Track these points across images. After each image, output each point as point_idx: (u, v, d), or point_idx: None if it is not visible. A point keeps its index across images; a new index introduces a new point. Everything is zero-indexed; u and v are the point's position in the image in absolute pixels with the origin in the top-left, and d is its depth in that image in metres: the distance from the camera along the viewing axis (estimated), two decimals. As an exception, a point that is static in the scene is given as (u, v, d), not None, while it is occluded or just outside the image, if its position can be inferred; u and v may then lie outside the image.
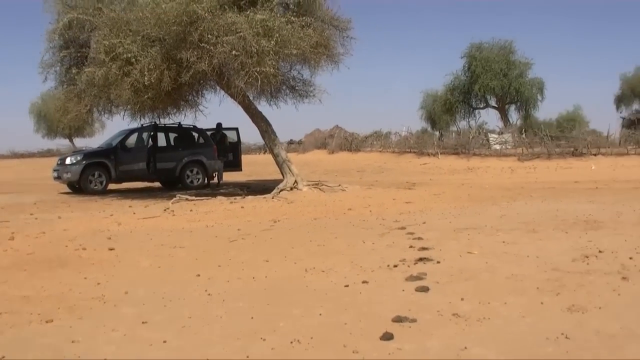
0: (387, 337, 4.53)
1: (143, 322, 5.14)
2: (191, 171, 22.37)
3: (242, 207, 14.29)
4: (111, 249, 8.90)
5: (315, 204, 14.31)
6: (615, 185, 19.27)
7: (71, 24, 17.88)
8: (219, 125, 24.35)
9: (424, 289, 5.90)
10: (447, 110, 58.77)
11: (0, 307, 5.74)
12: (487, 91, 55.03)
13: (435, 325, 4.85)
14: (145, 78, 15.60)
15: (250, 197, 16.53)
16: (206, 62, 15.47)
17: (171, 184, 22.78)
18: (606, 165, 29.45)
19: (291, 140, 65.62)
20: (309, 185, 17.66)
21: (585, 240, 8.44)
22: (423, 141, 42.70)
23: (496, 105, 58.27)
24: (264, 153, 49.18)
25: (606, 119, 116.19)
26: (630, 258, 7.12)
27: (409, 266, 7.04)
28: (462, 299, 5.54)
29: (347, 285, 6.18)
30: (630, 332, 4.59)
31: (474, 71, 54.29)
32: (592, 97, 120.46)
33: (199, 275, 6.93)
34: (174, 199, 16.02)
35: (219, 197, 16.64)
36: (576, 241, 8.39)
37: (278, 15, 16.36)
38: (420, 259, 7.34)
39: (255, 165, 32.26)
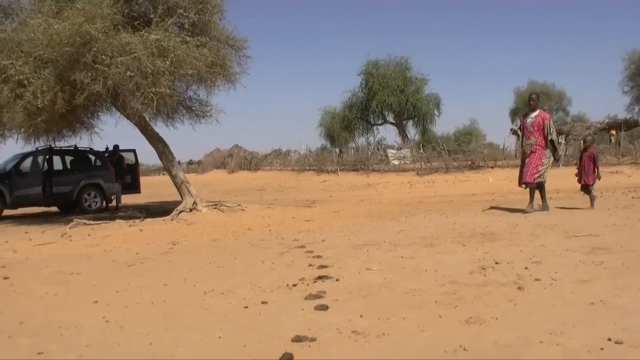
0: (287, 357, 4.54)
1: (39, 353, 5.01)
2: (89, 194, 22.06)
3: (141, 230, 14.14)
4: (6, 278, 8.64)
5: (215, 225, 14.27)
6: (511, 196, 19.71)
7: (-41, 45, 17.43)
8: (115, 147, 24.09)
9: (323, 308, 5.93)
10: (345, 127, 59.33)
11: None
12: (385, 107, 55.86)
13: (334, 343, 4.88)
14: (39, 100, 15.28)
15: (149, 219, 16.38)
16: (101, 84, 15.24)
17: (68, 208, 22.39)
18: (503, 177, 30.16)
19: (190, 160, 65.32)
20: (208, 205, 17.58)
21: (482, 252, 8.61)
22: (322, 158, 43.01)
23: (394, 121, 59.15)
24: (163, 174, 48.79)
25: (502, 132, 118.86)
26: (526, 268, 7.31)
27: (308, 285, 7.05)
28: (361, 316, 5.57)
29: (246, 307, 6.16)
30: (526, 341, 4.70)
31: (371, 88, 55.06)
32: (488, 111, 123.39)
33: (96, 301, 6.79)
34: (72, 223, 15.74)
35: (117, 221, 16.41)
36: (473, 253, 8.54)
37: (173, 35, 16.27)
38: (320, 277, 7.37)
39: (154, 187, 32.00)
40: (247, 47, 18.77)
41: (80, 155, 22.96)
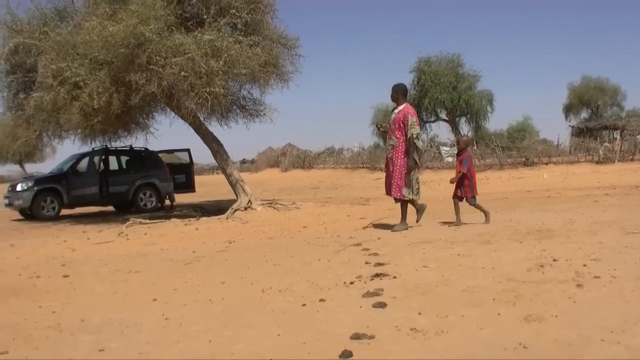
0: (346, 355, 4.52)
1: (100, 350, 5.08)
2: (144, 194, 22.32)
3: (197, 229, 14.22)
4: (66, 276, 8.78)
5: (270, 223, 14.29)
6: (567, 193, 19.52)
7: (17, 49, 17.73)
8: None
9: (381, 305, 5.90)
10: (388, 123, 59.06)
11: (-48, 340, 5.63)
12: (437, 104, 55.47)
13: (393, 340, 4.85)
14: (95, 101, 15.47)
15: (204, 218, 16.48)
16: (155, 84, 15.40)
17: (124, 207, 22.65)
18: (557, 173, 29.84)
19: (244, 159, 65.58)
20: (263, 204, 17.63)
21: (539, 249, 8.52)
22: (375, 156, 42.88)
23: (447, 118, 58.75)
24: (217, 173, 49.07)
25: (555, 128, 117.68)
26: (584, 265, 7.20)
27: (365, 282, 7.03)
28: (419, 314, 5.54)
29: (304, 304, 6.16)
30: (586, 339, 4.63)
31: (424, 85, 54.72)
32: (541, 107, 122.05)
33: (155, 299, 6.87)
34: (128, 222, 15.89)
35: (173, 220, 16.55)
36: (530, 251, 8.45)
37: (226, 35, 16.38)
38: (377, 275, 7.33)
39: (209, 186, 32.22)
40: (300, 45, 18.84)
41: (135, 155, 23.23)
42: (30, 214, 21.56)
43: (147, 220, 16.35)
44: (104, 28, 15.27)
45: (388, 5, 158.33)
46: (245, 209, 17.15)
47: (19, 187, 21.63)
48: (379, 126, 12.93)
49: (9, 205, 22.04)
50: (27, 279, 8.79)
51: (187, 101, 16.10)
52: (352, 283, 7.06)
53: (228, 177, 18.55)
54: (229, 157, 19.07)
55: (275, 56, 18.02)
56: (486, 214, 11.97)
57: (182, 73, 15.21)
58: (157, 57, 15.31)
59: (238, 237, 12.47)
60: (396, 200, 12.00)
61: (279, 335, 5.17)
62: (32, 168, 64.66)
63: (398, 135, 11.74)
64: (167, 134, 28.73)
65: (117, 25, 15.17)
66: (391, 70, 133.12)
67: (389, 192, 12.06)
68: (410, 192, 11.76)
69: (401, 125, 11.69)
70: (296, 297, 6.52)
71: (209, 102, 15.66)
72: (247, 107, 19.70)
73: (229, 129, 20.11)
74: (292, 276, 7.77)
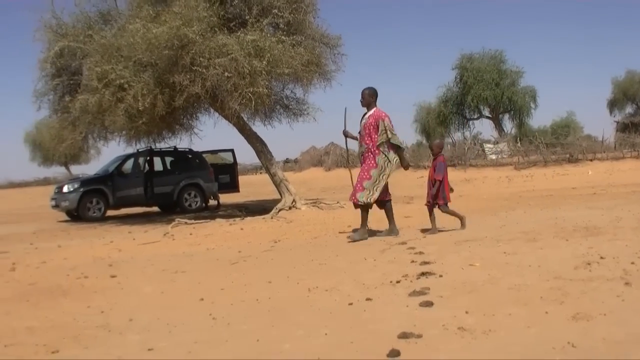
0: (394, 354, 4.50)
1: (149, 349, 5.11)
2: (189, 194, 22.49)
3: (242, 229, 14.26)
4: (113, 276, 8.86)
5: (315, 223, 14.30)
6: (612, 189, 19.30)
7: (62, 52, 17.99)
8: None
9: (428, 304, 5.87)
10: (441, 122, 58.93)
11: (5, 339, 5.70)
12: (480, 101, 55.27)
13: (441, 339, 4.82)
14: (139, 103, 15.63)
15: (249, 218, 16.52)
16: (199, 85, 15.50)
17: (169, 208, 22.83)
18: (602, 170, 29.49)
19: (287, 159, 65.67)
20: (307, 203, 17.64)
21: (585, 247, 8.41)
22: (418, 154, 42.67)
23: (490, 115, 58.49)
24: (260, 173, 49.20)
25: (600, 124, 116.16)
26: (632, 263, 7.10)
27: (411, 281, 7.00)
28: (466, 312, 5.50)
29: (351, 304, 6.15)
30: (636, 338, 4.57)
31: (466, 82, 54.56)
32: (585, 103, 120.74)
33: (202, 299, 6.90)
34: (173, 223, 15.99)
35: (217, 220, 16.58)
36: (577, 248, 8.36)
37: (268, 35, 16.44)
38: (423, 274, 7.30)
39: (252, 186, 32.30)
40: (342, 44, 18.80)
41: (179, 156, 23.43)
42: (76, 215, 21.83)
43: (192, 221, 16.43)
44: (148, 30, 15.41)
45: (429, 1, 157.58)
46: (290, 208, 17.15)
47: (65, 189, 21.91)
48: (346, 134, 11.98)
49: (56, 206, 22.33)
50: (75, 279, 8.88)
51: (230, 101, 16.16)
52: (398, 282, 7.03)
53: (272, 176, 18.58)
54: (272, 156, 19.10)
55: (318, 55, 18.03)
56: (462, 219, 11.53)
57: (226, 73, 15.27)
58: (201, 58, 15.41)
59: (283, 237, 12.50)
60: (355, 205, 11.50)
61: (326, 334, 5.17)
62: (77, 170, 65.36)
63: (367, 141, 11.15)
64: (211, 134, 28.87)
65: (160, 27, 15.30)
66: (433, 67, 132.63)
67: (350, 198, 11.66)
68: (369, 196, 11.12)
69: (371, 130, 11.07)
70: (343, 296, 6.51)
71: (253, 102, 15.71)
72: (290, 107, 19.73)
73: (272, 128, 20.16)
74: (338, 275, 7.77)
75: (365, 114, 11.32)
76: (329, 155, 50.90)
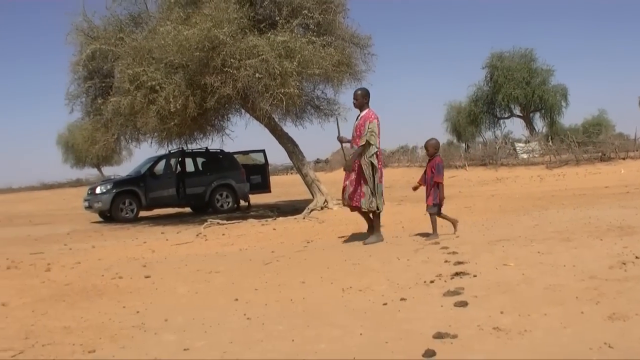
0: (430, 354, 4.50)
1: (185, 349, 5.15)
2: (221, 195, 22.57)
3: (274, 229, 14.29)
4: (147, 277, 8.92)
5: (347, 223, 14.26)
6: (646, 188, 19.12)
7: (94, 55, 18.14)
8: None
9: (463, 304, 5.86)
10: (471, 121, 58.70)
11: (42, 338, 5.76)
12: (511, 100, 54.97)
13: (476, 340, 4.81)
14: (171, 105, 15.71)
15: (281, 218, 16.55)
16: (230, 86, 15.56)
17: (201, 208, 22.93)
18: (635, 168, 29.24)
19: (318, 159, 65.65)
20: (339, 203, 17.61)
21: (620, 246, 8.35)
22: (450, 154, 42.62)
23: (521, 114, 58.16)
24: (291, 173, 49.24)
25: (632, 122, 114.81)
26: (668, 262, 7.06)
27: (445, 281, 6.99)
28: (501, 312, 5.49)
29: (385, 304, 6.15)
30: (674, 339, 4.53)
31: (497, 81, 54.27)
32: (616, 101, 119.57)
33: (236, 299, 6.93)
34: (206, 223, 16.04)
35: (250, 220, 16.62)
36: (611, 248, 8.30)
37: (299, 36, 16.46)
38: (457, 274, 7.28)
39: (283, 186, 32.37)
40: (372, 44, 18.80)
41: (211, 157, 23.52)
42: (109, 216, 22.01)
43: (225, 221, 16.48)
44: (179, 32, 15.50)
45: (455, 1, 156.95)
46: (322, 208, 17.14)
47: (98, 190, 22.10)
48: (341, 140, 11.63)
49: (89, 207, 22.53)
50: (110, 279, 8.96)
51: (262, 102, 16.20)
52: (432, 282, 7.02)
53: (304, 177, 18.59)
54: (304, 157, 19.11)
55: (348, 55, 18.04)
56: (454, 223, 11.26)
57: (257, 75, 15.31)
58: (232, 60, 15.46)
59: (315, 237, 12.52)
60: (352, 209, 11.42)
61: (361, 334, 5.17)
62: (109, 171, 65.77)
63: (359, 143, 10.85)
64: (242, 135, 28.92)
65: (191, 29, 15.38)
66: (463, 66, 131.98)
67: (352, 204, 11.24)
68: (371, 203, 10.90)
69: (362, 132, 10.84)
70: (377, 296, 6.51)
71: (284, 103, 15.75)
72: (321, 107, 19.69)
73: (303, 129, 20.15)
74: (371, 275, 7.77)
75: (358, 115, 11.17)
76: (361, 155, 50.79)
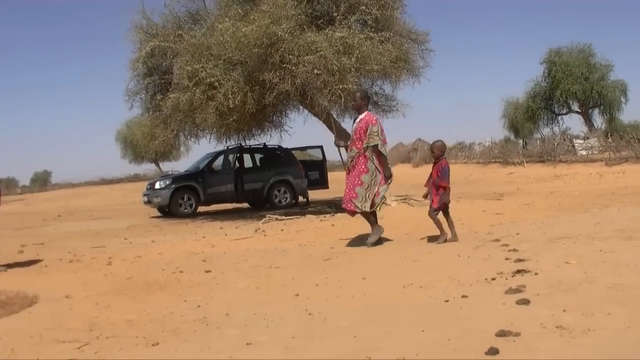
0: (493, 352, 4.45)
1: (247, 344, 5.17)
2: (279, 191, 22.63)
3: (333, 225, 14.29)
4: (207, 271, 9.01)
5: (405, 219, 14.22)
6: None
7: (153, 52, 18.30)
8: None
9: (525, 302, 5.78)
10: (529, 117, 58.07)
11: (106, 331, 5.87)
12: (569, 96, 54.28)
13: (540, 338, 4.75)
14: (230, 101, 15.84)
15: (339, 214, 16.51)
16: (289, 83, 15.62)
17: (259, 204, 23.03)
18: (697, 166, 28.77)
19: (373, 155, 65.47)
20: (397, 200, 17.58)
21: (685, 245, 8.22)
22: (507, 150, 42.22)
23: (579, 110, 57.42)
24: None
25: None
26: None
27: (507, 279, 6.91)
28: (564, 311, 5.40)
29: (447, 300, 6.11)
30: None
31: (554, 76, 53.62)
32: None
33: (297, 294, 6.96)
34: (264, 219, 16.11)
35: (308, 216, 16.66)
36: (676, 247, 8.17)
37: (356, 32, 16.46)
38: (518, 271, 7.19)
39: (340, 183, 32.09)
40: (429, 40, 18.76)
41: (269, 153, 23.61)
42: (168, 211, 22.26)
43: (283, 217, 16.54)
44: (237, 29, 15.59)
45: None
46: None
47: (157, 185, 22.36)
48: (338, 144, 11.66)
49: (148, 202, 22.82)
50: (171, 273, 9.07)
51: (320, 98, 16.25)
52: (493, 279, 6.95)
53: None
54: (362, 153, 19.07)
55: (406, 51, 17.99)
56: (442, 234, 10.61)
57: (315, 71, 15.34)
58: (290, 56, 15.51)
59: (375, 233, 12.51)
60: (351, 213, 11.16)
61: (423, 331, 5.13)
62: (166, 167, 66.36)
63: (359, 146, 10.65)
64: (300, 131, 28.93)
65: (249, 26, 15.45)
66: (521, 61, 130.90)
67: (343, 206, 11.13)
68: (363, 205, 10.63)
69: (362, 135, 10.59)
70: (438, 293, 6.47)
71: (342, 99, 15.75)
72: (379, 103, 19.64)
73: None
74: (432, 272, 7.73)
75: (357, 118, 10.93)
76: (417, 151, 50.62)
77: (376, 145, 10.55)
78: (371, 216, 10.91)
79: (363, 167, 10.61)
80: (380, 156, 10.65)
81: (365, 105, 10.92)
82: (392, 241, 11.15)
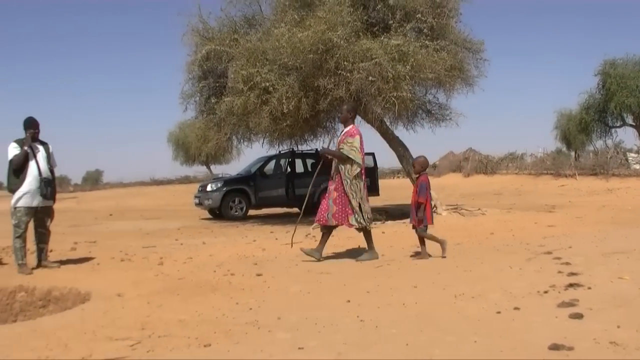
0: (546, 364, 4.45)
1: (299, 348, 5.19)
2: (331, 197, 22.57)
3: (383, 232, 14.27)
4: (259, 275, 9.07)
5: (456, 228, 14.18)
6: None
7: (209, 56, 18.41)
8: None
9: (578, 316, 5.74)
10: (582, 129, 57.26)
11: (158, 330, 5.94)
12: (624, 109, 53.40)
13: (593, 353, 4.71)
14: (284, 106, 15.92)
15: (390, 222, 16.54)
16: (343, 89, 15.68)
17: (309, 209, 23.08)
18: None
19: (425, 163, 65.29)
20: (448, 209, 17.52)
21: None
22: (559, 162, 41.80)
23: (633, 124, 56.49)
24: (397, 177, 49.11)
25: None
26: None
27: (559, 292, 6.86)
28: (618, 327, 5.34)
29: (499, 312, 6.08)
30: None
31: (609, 89, 52.83)
32: None
33: (348, 301, 6.97)
34: (315, 224, 16.08)
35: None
36: None
37: (412, 40, 16.43)
38: (570, 285, 7.14)
39: (390, 190, 32.27)
40: (484, 49, 18.65)
41: (321, 159, 23.59)
42: (218, 213, 22.40)
43: (334, 223, 16.52)
44: (293, 34, 15.66)
45: (570, 5, 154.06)
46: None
47: (209, 188, 22.57)
48: (323, 156, 11.35)
49: (199, 204, 23.03)
50: (222, 275, 9.15)
51: (374, 105, 16.27)
52: (545, 292, 6.91)
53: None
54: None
55: (460, 60, 17.93)
56: (442, 243, 10.53)
57: (370, 78, 15.36)
58: (345, 63, 15.56)
59: (426, 242, 12.45)
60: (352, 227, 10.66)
61: (475, 342, 5.12)
62: (217, 169, 66.65)
63: (339, 161, 10.45)
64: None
65: (305, 32, 15.52)
66: (574, 72, 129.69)
67: (320, 219, 10.81)
68: (361, 220, 10.44)
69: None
70: (490, 304, 6.45)
71: (396, 107, 15.74)
72: (432, 112, 19.57)
73: (414, 133, 20.06)
74: (484, 283, 7.70)
75: (342, 131, 10.89)
76: (468, 161, 50.32)
77: (348, 156, 10.33)
78: (370, 234, 10.76)
79: (341, 180, 10.44)
80: (345, 164, 10.39)
81: (351, 118, 10.90)
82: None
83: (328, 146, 11.43)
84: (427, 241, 10.51)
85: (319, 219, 10.78)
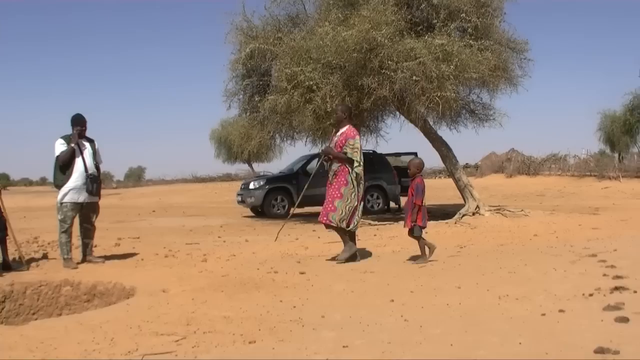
0: (591, 368, 4.44)
1: (344, 346, 5.22)
2: (371, 196, 22.59)
3: (426, 232, 14.20)
4: (302, 273, 9.12)
5: (499, 230, 14.13)
6: None
7: (253, 54, 18.42)
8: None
9: (624, 320, 5.69)
10: (626, 131, 56.68)
11: (203, 326, 6.00)
12: (669, 110, 52.97)
13: (639, 357, 4.68)
14: (327, 104, 15.88)
15: (432, 222, 16.45)
16: (387, 88, 15.65)
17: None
18: None
19: (467, 163, 64.96)
20: (490, 210, 17.42)
21: None
22: (603, 164, 41.37)
23: (678, 125, 55.94)
24: (439, 177, 49.00)
25: None
26: None
27: (604, 295, 6.82)
28: (664, 332, 5.32)
29: (543, 314, 6.07)
30: None
31: (654, 90, 52.35)
32: None
33: (392, 300, 6.99)
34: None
35: (400, 222, 16.57)
36: None
37: (456, 39, 16.37)
38: (616, 288, 7.08)
39: (431, 190, 32.02)
40: (529, 49, 18.50)
41: (364, 158, 23.57)
42: (260, 211, 22.48)
43: (376, 222, 16.57)
44: (337, 33, 15.64)
45: (615, 5, 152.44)
46: (473, 214, 16.96)
47: (251, 186, 22.66)
48: (323, 157, 11.60)
49: (242, 202, 23.14)
50: (266, 273, 9.20)
51: (417, 105, 16.22)
52: (590, 295, 6.88)
53: (457, 181, 18.45)
54: (457, 161, 18.91)
55: (504, 60, 17.80)
56: (431, 248, 10.23)
57: (414, 77, 15.31)
58: (389, 62, 15.52)
59: (468, 243, 12.42)
60: (326, 226, 10.97)
61: (520, 343, 5.12)
62: (259, 167, 66.85)
63: (339, 161, 10.63)
64: (394, 137, 28.89)
65: (349, 31, 15.51)
66: (619, 73, 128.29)
67: (319, 218, 11.04)
68: (341, 220, 10.47)
69: (341, 149, 10.59)
70: (534, 306, 6.44)
71: (440, 107, 15.70)
72: (476, 112, 19.45)
73: (458, 133, 19.96)
74: (528, 285, 7.67)
75: (337, 131, 10.95)
76: (510, 161, 49.95)
77: (357, 161, 10.46)
78: (345, 233, 10.66)
79: (343, 179, 10.57)
80: (347, 164, 10.54)
81: (346, 119, 10.94)
82: (487, 252, 11.06)
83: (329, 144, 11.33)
84: (421, 244, 10.35)
85: (320, 218, 10.94)
